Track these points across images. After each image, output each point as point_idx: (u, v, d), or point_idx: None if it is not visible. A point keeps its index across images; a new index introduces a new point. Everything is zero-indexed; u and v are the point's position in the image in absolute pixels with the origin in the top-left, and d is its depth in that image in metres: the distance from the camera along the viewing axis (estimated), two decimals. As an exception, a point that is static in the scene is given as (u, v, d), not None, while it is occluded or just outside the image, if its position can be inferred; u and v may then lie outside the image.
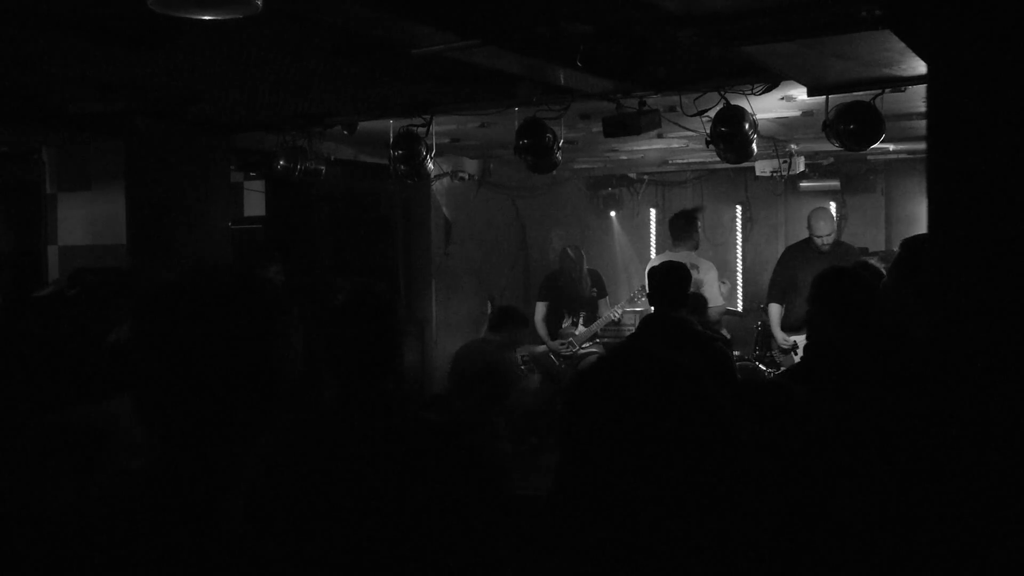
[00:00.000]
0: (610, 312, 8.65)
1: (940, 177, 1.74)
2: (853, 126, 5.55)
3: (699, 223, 8.20)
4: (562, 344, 8.59)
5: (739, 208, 11.04)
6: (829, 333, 3.59)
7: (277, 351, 1.50)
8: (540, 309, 8.73)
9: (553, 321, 8.70)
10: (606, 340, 8.74)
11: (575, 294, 8.70)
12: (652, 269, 5.37)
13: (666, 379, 1.57)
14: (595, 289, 8.81)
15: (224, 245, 7.25)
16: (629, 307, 8.84)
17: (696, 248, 8.00)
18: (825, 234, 7.91)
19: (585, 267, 8.80)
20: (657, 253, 11.05)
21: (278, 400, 1.50)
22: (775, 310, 8.03)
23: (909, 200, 9.90)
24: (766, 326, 8.22)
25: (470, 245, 10.06)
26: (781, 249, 9.30)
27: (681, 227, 7.97)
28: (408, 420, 2.65)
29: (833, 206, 10.32)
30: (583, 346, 8.62)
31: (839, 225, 10.25)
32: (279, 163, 7.10)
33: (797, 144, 8.46)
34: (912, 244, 2.91)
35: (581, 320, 8.73)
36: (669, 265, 5.34)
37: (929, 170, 1.74)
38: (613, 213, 11.44)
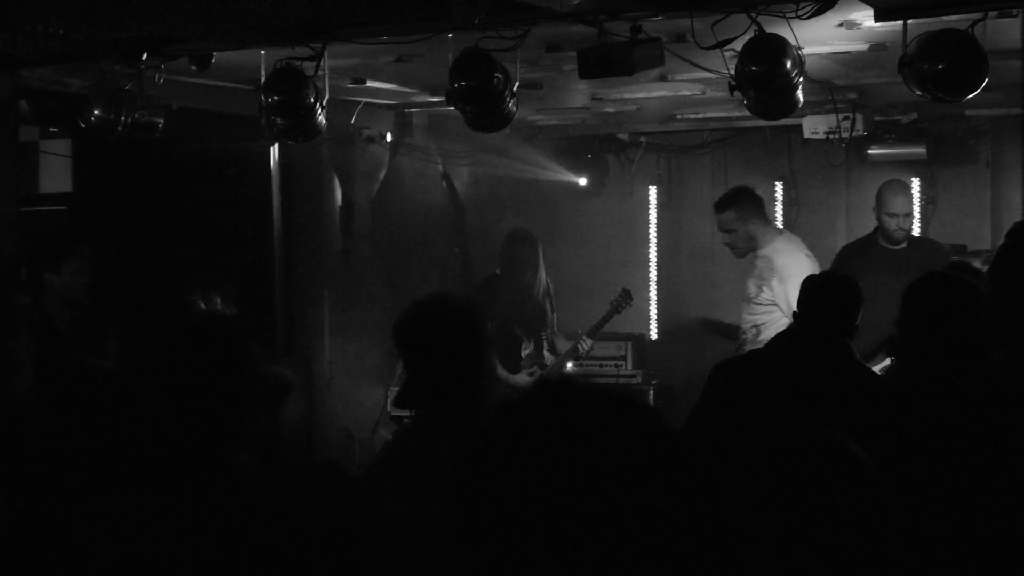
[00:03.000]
0: (578, 341, 8.69)
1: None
2: (943, 66, 5.62)
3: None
4: (530, 374, 8.60)
5: (779, 186, 11.12)
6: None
7: None
8: None
9: (502, 346, 8.69)
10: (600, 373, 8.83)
11: (530, 305, 8.72)
12: (810, 279, 5.60)
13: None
14: (547, 299, 8.87)
15: (7, 236, 7.16)
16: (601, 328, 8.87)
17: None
18: (903, 213, 8.00)
19: (543, 264, 8.83)
20: (659, 245, 11.20)
21: None
22: (832, 334, 8.13)
23: (1027, 175, 10.05)
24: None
25: (381, 237, 10.03)
26: (839, 246, 9.36)
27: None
28: (258, 512, 2.76)
29: (916, 184, 10.44)
30: None
31: (925, 212, 10.40)
32: (94, 113, 7.04)
33: (864, 92, 8.55)
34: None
35: (545, 345, 8.75)
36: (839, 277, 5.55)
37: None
38: (584, 182, 11.42)
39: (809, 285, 5.46)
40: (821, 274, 6.70)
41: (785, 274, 7.80)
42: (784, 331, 5.74)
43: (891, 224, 8.01)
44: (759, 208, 8.27)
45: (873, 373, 5.40)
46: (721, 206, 8.22)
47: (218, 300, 7.34)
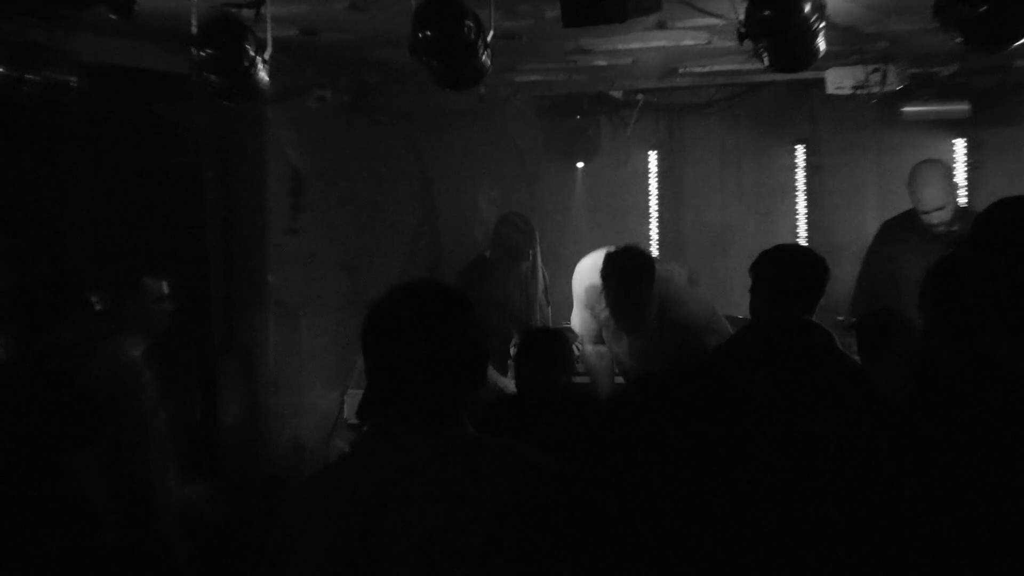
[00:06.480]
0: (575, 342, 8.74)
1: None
2: (985, 8, 5.63)
3: None
4: None
5: (799, 149, 11.16)
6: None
7: None
8: None
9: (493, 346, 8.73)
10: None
11: (524, 297, 8.76)
12: (765, 254, 5.55)
13: None
14: (543, 294, 8.93)
15: None
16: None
17: None
18: (934, 207, 8.05)
19: (539, 251, 8.87)
20: (660, 219, 11.30)
21: None
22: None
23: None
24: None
25: (336, 214, 10.04)
26: (870, 219, 9.41)
27: None
28: None
29: (960, 147, 10.48)
30: None
31: (971, 179, 10.44)
32: (-3, 72, 7.03)
33: (896, 41, 8.58)
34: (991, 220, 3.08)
35: None
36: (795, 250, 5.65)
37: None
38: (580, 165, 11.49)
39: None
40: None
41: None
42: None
43: (924, 220, 8.08)
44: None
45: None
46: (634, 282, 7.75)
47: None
